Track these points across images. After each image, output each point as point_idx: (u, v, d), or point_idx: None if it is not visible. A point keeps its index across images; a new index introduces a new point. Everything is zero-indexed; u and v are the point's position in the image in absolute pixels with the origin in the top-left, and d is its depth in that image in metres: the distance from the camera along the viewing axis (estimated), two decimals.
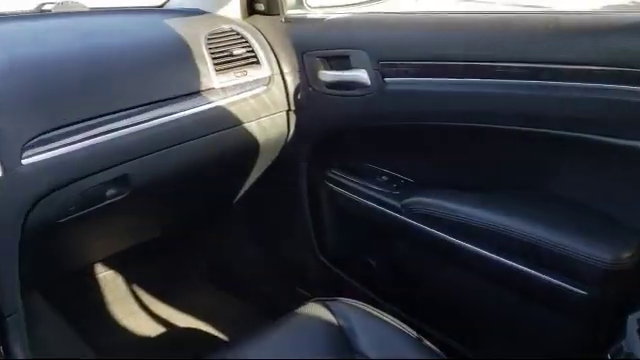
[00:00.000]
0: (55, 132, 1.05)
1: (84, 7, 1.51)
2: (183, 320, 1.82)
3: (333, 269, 1.63)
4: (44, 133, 1.03)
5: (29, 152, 1.00)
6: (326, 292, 1.23)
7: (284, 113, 1.46)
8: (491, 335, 1.34)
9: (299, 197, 1.59)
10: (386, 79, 1.27)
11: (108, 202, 1.18)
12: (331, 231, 1.64)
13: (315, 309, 1.13)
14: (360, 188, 1.46)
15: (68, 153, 1.06)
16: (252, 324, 1.76)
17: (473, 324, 1.36)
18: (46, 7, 1.48)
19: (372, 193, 1.43)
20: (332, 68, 1.38)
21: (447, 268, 1.35)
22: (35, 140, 1.02)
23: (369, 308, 1.14)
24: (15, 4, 1.53)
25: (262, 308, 1.84)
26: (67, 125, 1.06)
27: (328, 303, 1.14)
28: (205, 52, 1.32)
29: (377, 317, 1.12)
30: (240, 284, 1.94)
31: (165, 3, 1.64)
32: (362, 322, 1.10)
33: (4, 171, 0.95)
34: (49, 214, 1.07)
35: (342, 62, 1.34)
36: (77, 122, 1.08)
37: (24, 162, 0.99)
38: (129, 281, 1.89)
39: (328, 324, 1.09)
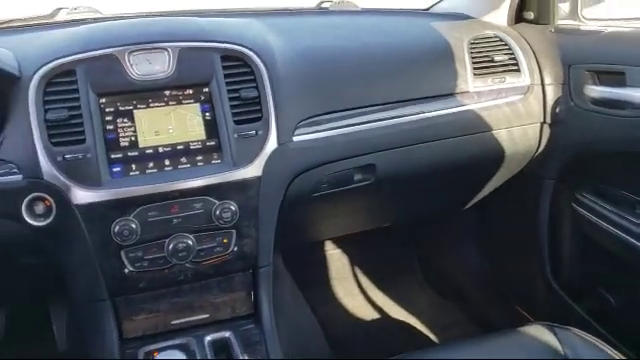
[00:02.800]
0: (324, 116, 1.19)
1: (356, 7, 1.65)
2: (396, 312, 1.88)
3: (564, 297, 1.52)
4: (315, 116, 1.17)
5: (300, 131, 1.15)
6: (551, 319, 1.16)
7: (538, 125, 1.40)
8: None
9: (538, 215, 1.52)
10: None
11: (354, 186, 1.28)
12: (569, 257, 1.52)
13: (540, 332, 1.07)
14: (614, 217, 1.33)
15: (330, 137, 1.18)
16: (463, 333, 1.74)
17: None
18: (324, 5, 1.66)
19: (629, 225, 1.29)
20: (602, 84, 1.28)
21: None
22: (307, 121, 1.16)
23: (604, 345, 1.04)
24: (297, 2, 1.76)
25: (476, 320, 1.80)
26: (335, 112, 1.20)
27: (556, 329, 1.07)
28: (466, 56, 1.34)
29: (612, 358, 1.02)
30: (456, 291, 1.93)
31: (432, 7, 1.69)
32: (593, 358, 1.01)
33: (279, 144, 1.10)
34: (306, 187, 1.21)
35: (616, 79, 1.23)
36: (343, 110, 1.20)
37: (295, 139, 1.14)
38: (353, 263, 2.02)
39: (552, 350, 1.03)
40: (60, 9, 1.56)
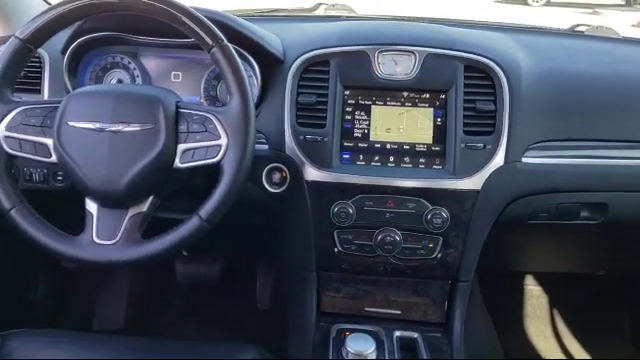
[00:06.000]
0: (559, 142, 1.12)
1: (617, 34, 1.52)
2: None
3: None
4: (550, 141, 1.11)
5: (530, 153, 1.10)
6: None
7: None
8: None
9: None
10: None
11: (578, 222, 1.19)
12: None
13: None
14: None
15: (562, 165, 1.12)
16: None
17: None
18: (579, 29, 1.56)
19: None
20: None
21: None
22: (540, 144, 1.11)
23: None
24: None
25: None
26: (573, 140, 1.12)
27: None
28: None
29: None
30: None
31: None
32: None
33: (505, 162, 1.07)
34: (523, 212, 1.16)
35: None
36: (583, 140, 1.12)
37: (524, 160, 1.10)
38: (552, 304, 1.87)
39: None
40: (320, 4, 1.72)
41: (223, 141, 0.88)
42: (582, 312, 1.86)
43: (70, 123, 0.88)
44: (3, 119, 0.89)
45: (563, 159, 1.12)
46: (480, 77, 1.09)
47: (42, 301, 1.63)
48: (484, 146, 1.07)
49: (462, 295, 1.16)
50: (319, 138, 1.08)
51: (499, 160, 1.07)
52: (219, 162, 0.88)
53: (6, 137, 0.89)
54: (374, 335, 1.04)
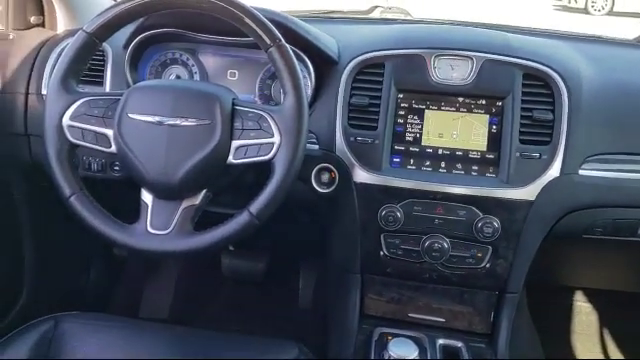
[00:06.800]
0: (618, 156, 1.08)
1: None
2: None
3: None
4: (609, 154, 1.08)
5: (588, 165, 1.07)
6: None
7: None
8: None
9: None
10: None
11: (636, 239, 1.14)
12: None
13: None
14: None
15: (621, 179, 1.08)
16: None
17: None
18: None
19: None
20: None
21: None
22: (598, 157, 1.07)
23: None
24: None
25: None
26: (632, 154, 1.08)
27: None
28: None
29: None
30: None
31: None
32: None
33: (562, 173, 1.04)
34: (578, 226, 1.13)
35: None
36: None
37: (580, 172, 1.06)
38: (603, 323, 1.81)
39: None
40: (376, 7, 1.72)
41: (276, 139, 0.89)
42: (636, 334, 1.78)
43: (130, 115, 0.91)
44: (68, 109, 0.93)
45: (621, 173, 1.08)
46: (539, 85, 1.07)
47: (92, 287, 1.68)
48: (540, 156, 1.04)
49: (509, 307, 1.14)
50: (370, 140, 1.08)
51: (555, 171, 1.04)
52: (271, 160, 0.89)
53: (70, 126, 0.93)
54: (417, 341, 1.03)
